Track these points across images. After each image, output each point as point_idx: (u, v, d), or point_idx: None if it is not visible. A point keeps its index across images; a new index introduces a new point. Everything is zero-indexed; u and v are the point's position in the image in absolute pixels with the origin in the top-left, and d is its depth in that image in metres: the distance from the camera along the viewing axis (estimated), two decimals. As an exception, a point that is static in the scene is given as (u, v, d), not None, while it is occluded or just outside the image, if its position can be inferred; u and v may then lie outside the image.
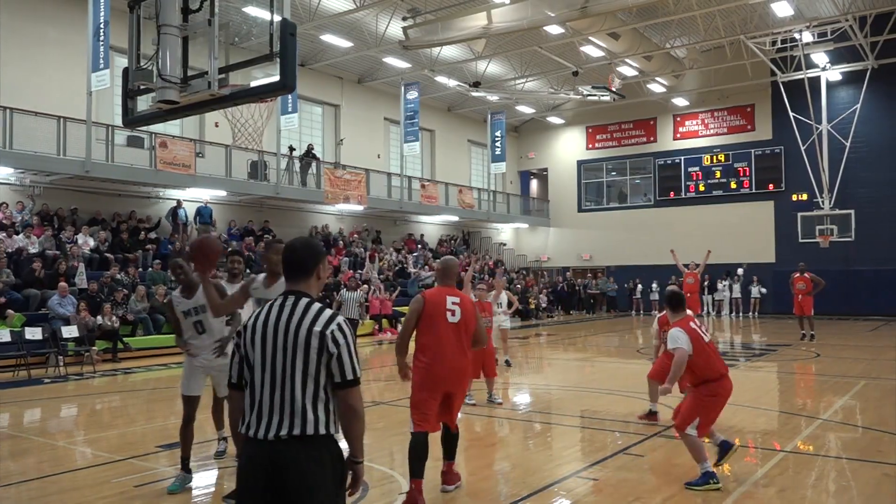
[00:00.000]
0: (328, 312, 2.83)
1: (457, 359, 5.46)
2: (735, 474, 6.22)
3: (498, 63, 28.45)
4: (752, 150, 29.94)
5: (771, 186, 29.38)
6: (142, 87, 6.07)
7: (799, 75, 25.98)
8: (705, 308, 29.12)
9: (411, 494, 5.24)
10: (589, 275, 33.19)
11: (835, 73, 26.78)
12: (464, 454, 6.95)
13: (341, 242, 25.27)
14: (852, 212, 25.09)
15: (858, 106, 26.28)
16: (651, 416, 8.40)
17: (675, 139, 32.16)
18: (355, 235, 26.49)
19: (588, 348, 18.32)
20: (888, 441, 7.45)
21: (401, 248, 28.09)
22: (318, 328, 2.76)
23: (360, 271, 23.13)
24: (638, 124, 33.13)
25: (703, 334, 5.96)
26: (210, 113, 6.75)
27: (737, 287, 28.79)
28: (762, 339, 20.03)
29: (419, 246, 29.15)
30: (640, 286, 31.04)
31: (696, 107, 31.51)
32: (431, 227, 31.85)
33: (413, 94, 26.20)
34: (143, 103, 6.37)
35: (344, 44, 23.77)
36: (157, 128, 17.89)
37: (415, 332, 5.55)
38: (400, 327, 8.62)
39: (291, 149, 23.46)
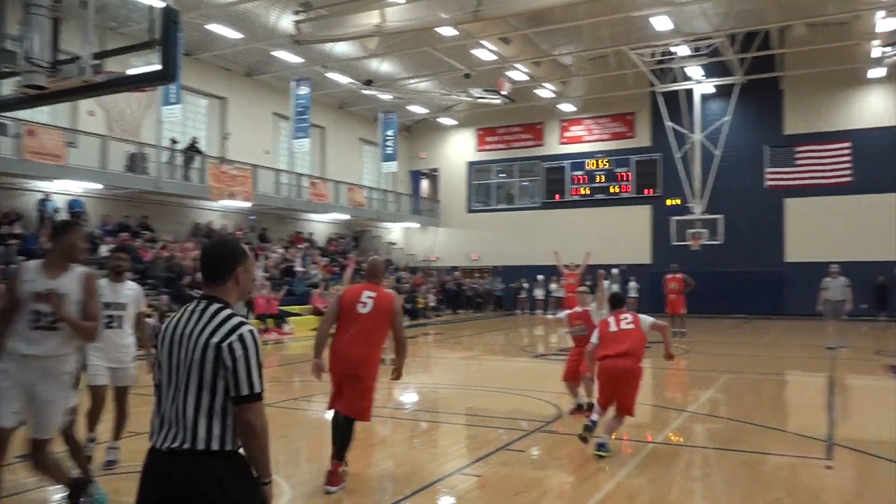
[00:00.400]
0: (233, 322, 2.65)
1: (356, 346, 5.72)
2: (609, 466, 6.52)
3: (391, 62, 28.43)
4: (633, 157, 31.41)
5: (648, 191, 30.92)
6: (5, 69, 5.67)
7: (675, 87, 27.53)
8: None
9: (327, 472, 5.73)
10: (476, 274, 33.75)
11: (708, 86, 28.53)
12: (348, 455, 6.92)
13: (226, 239, 24.47)
14: (721, 217, 26.85)
15: (728, 118, 28.12)
16: (579, 410, 8.63)
17: (561, 143, 33.24)
18: (239, 232, 25.76)
19: (474, 347, 18.61)
20: (747, 431, 8.03)
21: (288, 246, 27.56)
22: (215, 339, 2.61)
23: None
24: (526, 128, 34.01)
25: (616, 327, 7.15)
26: (84, 101, 6.40)
27: (614, 287, 30.04)
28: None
29: (307, 244, 28.71)
30: (525, 285, 31.86)
31: (581, 113, 32.70)
32: (321, 225, 31.43)
33: (304, 90, 25.75)
34: (9, 88, 5.94)
35: (232, 35, 23.06)
36: (24, 114, 16.69)
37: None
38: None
39: (174, 141, 22.50)
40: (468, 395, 10.79)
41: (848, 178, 26.89)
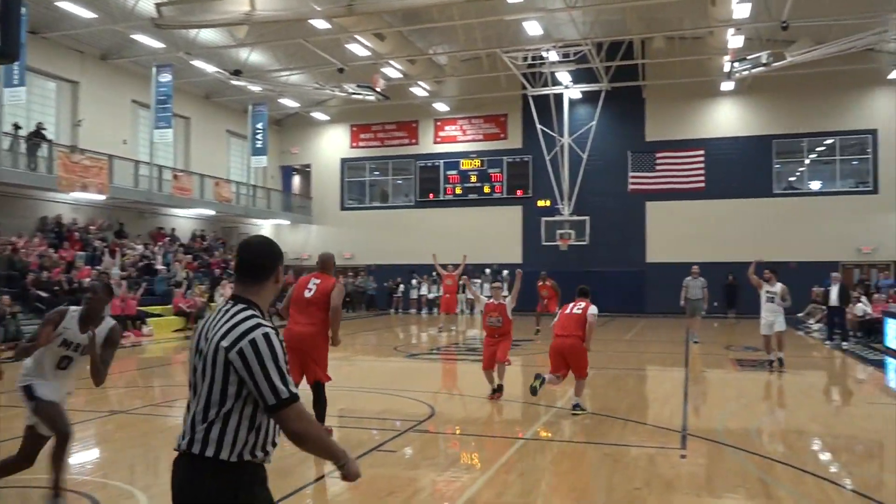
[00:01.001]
0: (246, 326, 2.49)
1: (302, 325, 7.21)
2: (481, 462, 6.68)
3: (261, 52, 27.68)
4: (505, 158, 32.26)
5: (520, 192, 31.87)
6: None
7: (546, 91, 28.56)
8: (460, 307, 30.84)
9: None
10: (350, 273, 33.53)
11: (576, 92, 29.79)
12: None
13: (77, 235, 22.99)
14: (587, 218, 28.13)
15: (594, 123, 29.49)
16: (496, 393, 9.92)
17: (435, 142, 33.62)
18: (93, 227, 24.23)
19: (347, 347, 18.50)
20: (609, 424, 8.48)
21: (148, 242, 26.23)
22: (224, 343, 2.47)
23: (97, 267, 21.22)
24: (401, 126, 34.15)
25: (568, 311, 9.15)
26: None
27: (487, 286, 30.74)
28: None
29: (170, 240, 27.44)
30: (401, 286, 31.99)
31: (455, 113, 33.22)
32: (184, 220, 30.12)
33: (166, 77, 24.57)
34: None
35: (86, 14, 21.62)
36: None
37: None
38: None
39: (17, 127, 20.83)
40: (340, 396, 10.71)
41: (701, 185, 28.93)
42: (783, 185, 29.71)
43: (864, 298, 19.75)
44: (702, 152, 28.88)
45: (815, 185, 29.74)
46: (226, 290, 14.66)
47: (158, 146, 26.23)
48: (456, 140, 33.34)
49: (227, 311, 2.58)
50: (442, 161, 33.15)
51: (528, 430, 8.23)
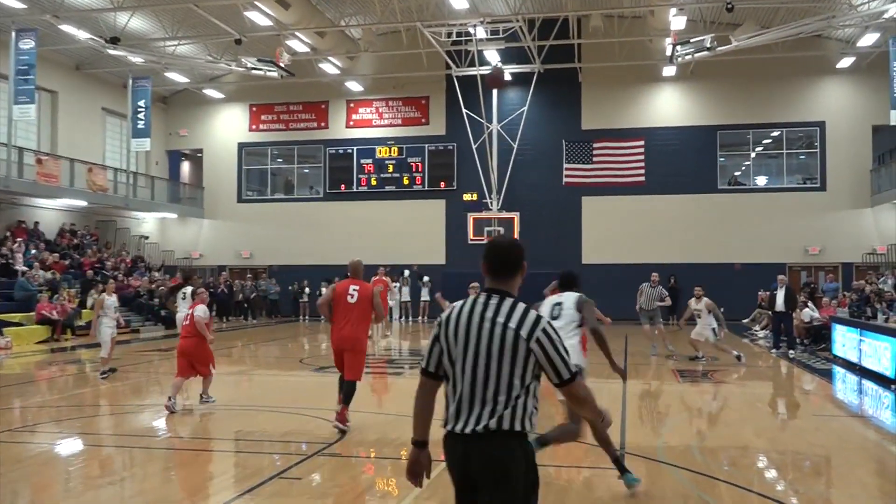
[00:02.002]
0: (533, 315, 3.18)
1: (349, 328, 9.02)
2: (398, 488, 6.67)
3: (144, 18, 26.87)
4: (426, 146, 32.36)
5: (443, 184, 32.04)
6: None
7: (472, 71, 28.77)
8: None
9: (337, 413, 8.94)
10: (249, 275, 32.95)
11: (505, 73, 30.13)
12: (79, 498, 6.48)
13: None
14: (517, 214, 28.51)
15: (525, 108, 29.93)
16: None
17: (348, 127, 33.41)
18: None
19: (245, 360, 18.17)
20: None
21: (5, 238, 25.07)
22: (523, 333, 3.13)
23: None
24: (308, 107, 33.79)
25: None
26: None
27: (406, 290, 30.78)
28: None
29: (32, 237, 26.30)
30: (307, 289, 31.63)
31: (370, 94, 33.10)
32: (50, 213, 28.92)
33: (28, 44, 23.56)
34: None
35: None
36: None
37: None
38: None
39: None
40: (237, 416, 10.51)
41: (641, 178, 29.76)
42: (728, 180, 30.91)
43: (810, 303, 20.73)
44: (642, 143, 29.72)
45: (761, 181, 31.07)
46: (108, 294, 14.12)
47: (18, 125, 25.16)
48: (371, 124, 33.23)
49: (501, 303, 3.23)
50: (355, 148, 32.98)
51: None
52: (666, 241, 29.54)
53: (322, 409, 10.38)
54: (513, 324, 3.14)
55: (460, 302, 3.32)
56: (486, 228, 28.30)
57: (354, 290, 9.12)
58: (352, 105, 33.43)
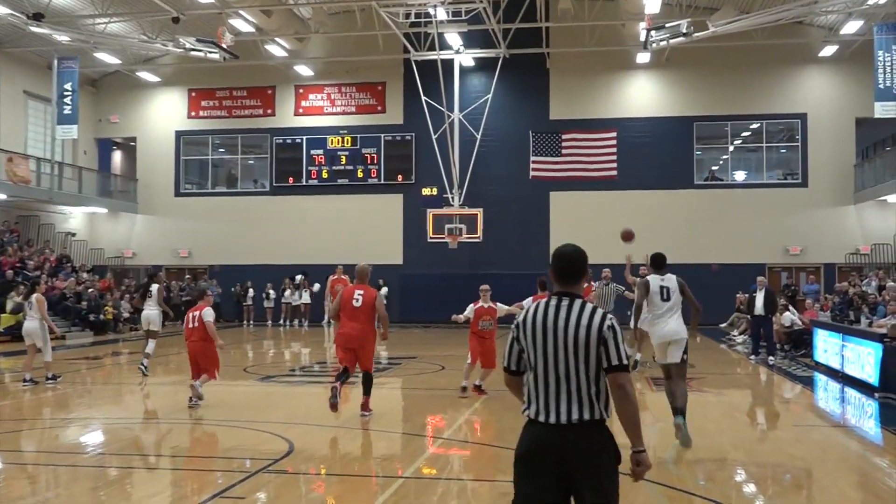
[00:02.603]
0: (600, 313, 3.90)
1: (356, 330, 10.66)
2: (351, 508, 6.66)
3: (71, -8, 26.42)
4: (382, 135, 32.28)
5: (401, 178, 32.00)
6: None
7: (432, 55, 28.81)
8: (327, 317, 30.64)
9: (336, 387, 10.43)
10: (187, 276, 32.59)
11: (468, 58, 30.23)
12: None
13: None
14: (480, 210, 28.61)
15: (490, 96, 30.04)
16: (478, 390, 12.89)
17: (297, 115, 33.21)
18: None
19: (182, 368, 17.94)
20: (506, 457, 8.63)
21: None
22: (595, 326, 3.83)
23: None
24: (254, 92, 33.50)
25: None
26: None
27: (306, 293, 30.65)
28: (386, 351, 21.69)
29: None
30: (251, 291, 31.36)
31: (322, 78, 32.94)
32: (-35, 206, 28.33)
33: (-59, 19, 23.01)
34: None
35: None
36: None
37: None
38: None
39: None
40: (175, 430, 10.39)
41: (613, 172, 30.07)
42: (705, 175, 31.35)
43: (791, 307, 21.11)
44: (614, 134, 30.05)
45: (740, 176, 31.58)
46: (37, 300, 14.46)
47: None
48: (322, 112, 33.08)
49: (572, 304, 3.94)
50: (304, 137, 32.80)
51: (409, 466, 8.26)
52: (638, 240, 29.78)
53: (268, 423, 10.30)
54: (585, 321, 3.86)
55: (534, 304, 4.01)
56: (448, 226, 28.37)
57: (359, 294, 10.76)
58: (301, 91, 33.23)
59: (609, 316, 3.89)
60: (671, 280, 9.53)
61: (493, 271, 29.70)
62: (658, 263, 9.67)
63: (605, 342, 3.83)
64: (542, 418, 3.87)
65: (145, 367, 15.12)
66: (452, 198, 29.48)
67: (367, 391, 10.94)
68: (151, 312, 16.02)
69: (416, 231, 30.19)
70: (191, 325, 11.79)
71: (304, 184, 32.73)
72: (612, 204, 30.35)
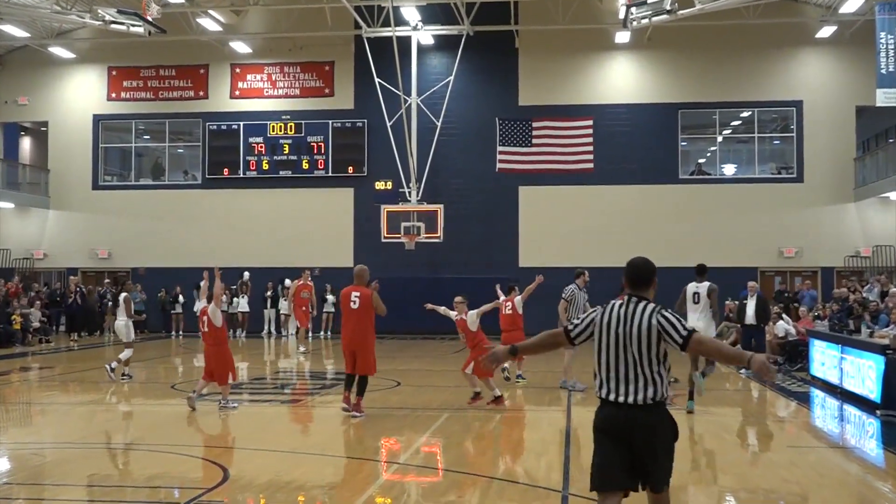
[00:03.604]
0: (658, 307, 5.35)
1: (354, 331, 12.34)
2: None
3: (-28, -45, 25.98)
4: (330, 122, 32.13)
5: (351, 170, 31.88)
6: None
7: (387, 32, 28.74)
8: (267, 327, 30.47)
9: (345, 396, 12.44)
10: (107, 280, 32.18)
11: (427, 36, 30.21)
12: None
13: None
14: (441, 207, 28.60)
15: (452, 78, 30.05)
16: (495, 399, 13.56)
17: (233, 97, 32.95)
18: None
19: (101, 387, 17.76)
20: (469, 484, 8.66)
21: None
22: (653, 319, 5.26)
23: None
24: (183, 72, 33.18)
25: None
26: None
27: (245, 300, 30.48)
28: (334, 365, 21.62)
29: None
30: (180, 297, 31.04)
31: (261, 57, 32.72)
32: None
33: None
34: None
35: None
36: None
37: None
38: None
39: None
40: (91, 455, 10.26)
41: (589, 165, 30.21)
42: (691, 169, 31.68)
43: (785, 315, 21.39)
44: (590, 123, 30.17)
45: (729, 170, 31.98)
46: (124, 300, 17.44)
47: None
48: (262, 95, 32.89)
49: (637, 304, 5.39)
50: (241, 124, 32.57)
51: (361, 495, 8.25)
52: (618, 240, 29.94)
53: (200, 447, 10.21)
54: (646, 316, 5.29)
55: (611, 304, 5.44)
56: (404, 224, 28.27)
57: (356, 296, 12.34)
58: (238, 70, 32.99)
59: (663, 308, 5.35)
60: (703, 286, 14.08)
61: (456, 275, 29.79)
62: (699, 271, 14.50)
63: (664, 329, 5.24)
64: (612, 398, 5.28)
65: (111, 370, 16.84)
66: (409, 193, 29.43)
67: (360, 392, 12.36)
68: (119, 323, 17.54)
69: (369, 230, 30.09)
70: (204, 330, 13.49)
71: (242, 176, 32.48)
72: (587, 200, 30.55)
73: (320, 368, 21.43)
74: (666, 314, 5.29)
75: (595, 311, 5.50)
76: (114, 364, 17.00)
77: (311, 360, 23.25)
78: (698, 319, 13.61)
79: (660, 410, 5.24)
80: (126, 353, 17.14)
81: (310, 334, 25.11)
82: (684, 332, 5.21)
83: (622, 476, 5.26)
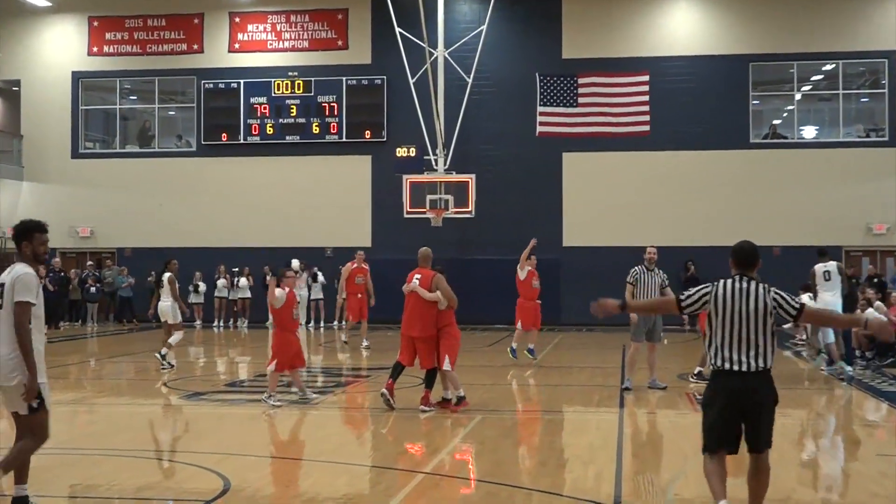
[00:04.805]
0: (764, 286, 6.92)
1: (415, 316, 13.11)
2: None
3: None
4: (344, 79, 32.10)
5: (368, 134, 31.84)
6: None
7: (410, -27, 28.64)
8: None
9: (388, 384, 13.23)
10: (90, 262, 32.42)
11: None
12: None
13: None
14: (472, 177, 28.48)
15: (485, 28, 29.84)
16: (459, 402, 13.36)
17: (231, 51, 32.97)
18: None
19: (84, 383, 17.91)
20: (506, 496, 8.64)
21: None
22: (768, 297, 6.88)
23: None
24: (175, 22, 33.25)
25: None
26: None
27: (317, 286, 30.48)
28: (352, 360, 21.69)
29: None
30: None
31: (264, 3, 32.73)
32: None
33: None
34: None
35: None
36: None
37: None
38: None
39: None
40: (73, 463, 10.34)
41: (645, 128, 29.94)
42: (764, 131, 31.35)
43: (878, 302, 21.13)
44: (646, 78, 29.92)
45: (809, 133, 31.62)
46: (168, 281, 18.87)
47: None
48: (266, 48, 32.92)
49: (750, 282, 6.95)
50: (242, 82, 32.63)
51: (381, 509, 8.27)
52: (678, 216, 29.81)
53: (196, 453, 10.27)
54: (761, 293, 6.90)
55: (723, 282, 6.97)
56: (430, 196, 28.13)
57: (417, 278, 13.19)
58: (237, 20, 33.01)
59: (774, 288, 6.98)
60: (832, 265, 17.71)
61: (489, 255, 29.72)
62: (821, 252, 18.23)
63: (778, 304, 6.92)
64: (727, 367, 6.87)
65: (162, 356, 18.38)
66: (436, 160, 29.34)
67: (428, 384, 13.24)
68: (164, 305, 18.94)
69: (389, 204, 30.07)
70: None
71: (242, 142, 32.56)
72: (642, 168, 30.35)
73: (335, 364, 21.48)
74: (778, 291, 6.99)
75: (706, 287, 7.08)
76: (164, 351, 18.42)
77: (326, 354, 23.32)
78: (833, 295, 17.12)
79: (769, 377, 6.95)
80: (176, 337, 18.73)
81: (364, 325, 23.78)
82: (797, 305, 7.02)
83: (733, 438, 6.93)
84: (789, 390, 15.94)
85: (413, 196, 28.41)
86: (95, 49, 33.81)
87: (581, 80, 30.12)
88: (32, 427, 7.58)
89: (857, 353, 19.47)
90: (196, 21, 33.28)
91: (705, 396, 7.12)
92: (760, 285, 6.93)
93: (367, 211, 31.92)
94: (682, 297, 7.22)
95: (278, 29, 32.91)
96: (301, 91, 32.29)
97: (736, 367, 6.81)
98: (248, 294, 30.61)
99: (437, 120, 29.20)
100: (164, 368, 18.29)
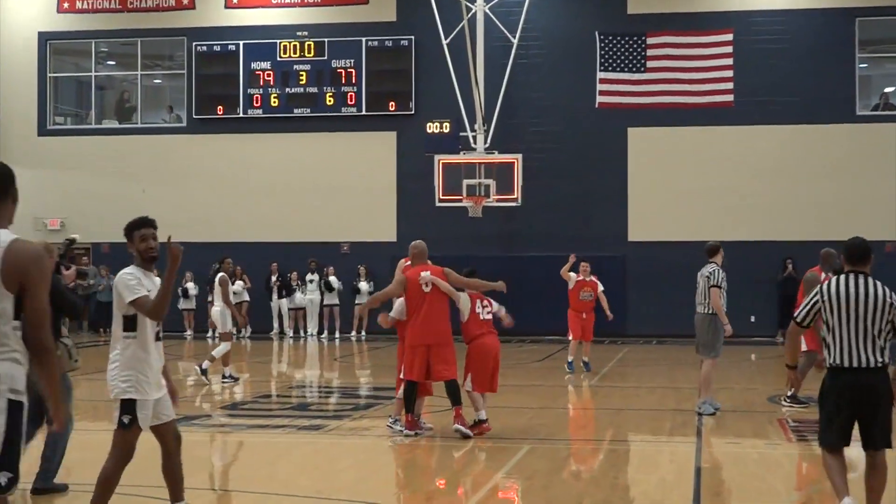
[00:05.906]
0: (881, 284, 8.00)
1: (430, 318, 13.02)
2: None
3: None
4: (364, 39, 32.14)
5: (393, 106, 31.86)
6: None
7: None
8: (277, 324, 30.65)
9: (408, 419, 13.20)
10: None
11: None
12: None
13: None
14: (518, 158, 28.41)
15: (534, -22, 29.88)
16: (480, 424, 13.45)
17: (229, 6, 33.07)
18: None
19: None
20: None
21: None
22: (887, 296, 7.98)
23: None
24: (161, -28, 33.49)
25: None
26: None
27: (330, 286, 30.58)
28: (371, 378, 21.73)
29: None
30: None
31: (268, -50, 32.89)
32: None
33: None
34: None
35: None
36: None
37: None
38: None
39: None
40: (43, 500, 10.44)
41: (729, 98, 29.80)
42: (874, 102, 31.11)
43: None
44: (729, 37, 29.82)
45: (929, 103, 31.35)
46: (220, 281, 19.88)
47: None
48: (270, 3, 33.06)
49: (866, 280, 8.12)
50: (242, 43, 32.76)
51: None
52: (768, 204, 29.64)
53: (189, 488, 10.32)
54: (880, 292, 7.92)
55: (836, 279, 8.07)
56: (467, 181, 28.03)
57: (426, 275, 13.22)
58: (236, -30, 33.19)
59: (883, 284, 8.02)
60: None
61: (538, 252, 29.62)
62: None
63: (894, 306, 7.91)
64: (843, 363, 7.92)
65: (201, 370, 19.38)
66: (474, 138, 29.32)
67: (454, 400, 13.11)
68: (216, 310, 20.14)
69: (418, 190, 30.10)
70: None
71: (242, 115, 32.70)
72: (725, 146, 30.20)
73: (352, 382, 21.53)
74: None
75: (814, 294, 8.20)
76: (205, 364, 19.20)
77: (340, 371, 23.40)
78: None
79: (885, 373, 7.97)
80: (222, 348, 19.17)
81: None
82: None
83: (849, 435, 8.03)
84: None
85: (447, 181, 28.37)
86: (66, 5, 34.00)
87: (650, 41, 30.05)
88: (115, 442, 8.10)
89: None
90: (186, -29, 33.48)
91: (821, 392, 8.26)
92: (878, 283, 7.93)
93: (391, 199, 31.94)
94: (798, 319, 8.39)
95: (285, -20, 33.06)
96: (312, 54, 32.36)
97: (852, 363, 7.88)
98: (246, 297, 30.61)
99: (475, 89, 29.15)
100: (225, 381, 19.26)
